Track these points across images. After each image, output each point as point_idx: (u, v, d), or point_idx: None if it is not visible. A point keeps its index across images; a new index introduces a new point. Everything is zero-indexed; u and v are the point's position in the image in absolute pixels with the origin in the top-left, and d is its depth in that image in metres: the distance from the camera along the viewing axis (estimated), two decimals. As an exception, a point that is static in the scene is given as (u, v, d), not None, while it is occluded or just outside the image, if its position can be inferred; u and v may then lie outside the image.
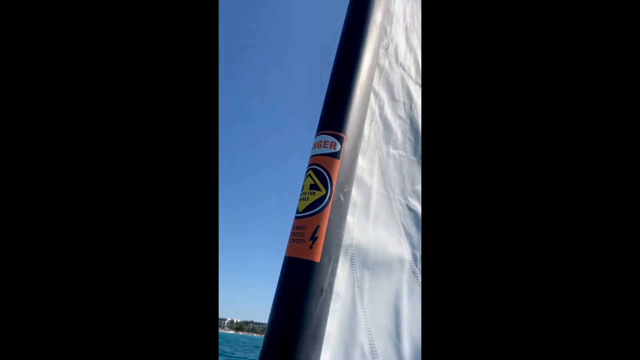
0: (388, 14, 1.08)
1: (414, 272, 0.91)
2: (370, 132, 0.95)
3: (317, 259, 0.66)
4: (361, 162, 0.89)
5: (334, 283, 0.71)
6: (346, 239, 0.78)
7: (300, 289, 0.64)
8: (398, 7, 1.16)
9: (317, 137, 0.78)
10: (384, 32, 1.04)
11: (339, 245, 0.73)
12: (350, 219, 0.81)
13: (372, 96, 0.96)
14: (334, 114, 0.79)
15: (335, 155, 0.75)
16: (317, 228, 0.68)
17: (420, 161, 1.05)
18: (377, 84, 1.00)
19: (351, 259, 0.80)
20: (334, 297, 0.73)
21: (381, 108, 1.00)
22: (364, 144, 0.91)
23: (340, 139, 0.77)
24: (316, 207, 0.70)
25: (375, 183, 0.92)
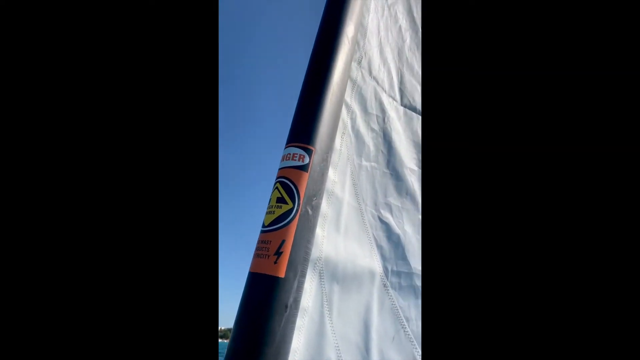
0: (362, 28, 1.10)
1: (384, 285, 0.91)
2: (342, 144, 0.95)
3: (282, 275, 0.65)
4: (332, 174, 0.89)
5: (300, 298, 0.70)
6: (315, 253, 0.78)
7: (263, 305, 0.62)
8: (372, 22, 1.18)
9: (286, 149, 0.77)
10: (357, 46, 1.06)
11: (306, 260, 0.72)
12: (319, 232, 0.80)
13: (344, 109, 0.96)
14: (304, 126, 0.79)
15: (303, 168, 0.74)
16: (283, 243, 0.67)
17: (393, 173, 1.05)
18: (350, 97, 1.01)
19: (320, 272, 0.79)
20: (300, 312, 0.71)
21: (353, 121, 1.00)
22: (335, 157, 0.91)
23: (309, 152, 0.76)
24: (282, 221, 0.69)
25: (346, 195, 0.92)
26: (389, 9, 1.30)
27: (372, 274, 0.89)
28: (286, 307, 0.64)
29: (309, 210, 0.73)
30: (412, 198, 1.07)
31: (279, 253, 0.65)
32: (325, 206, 0.83)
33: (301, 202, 0.72)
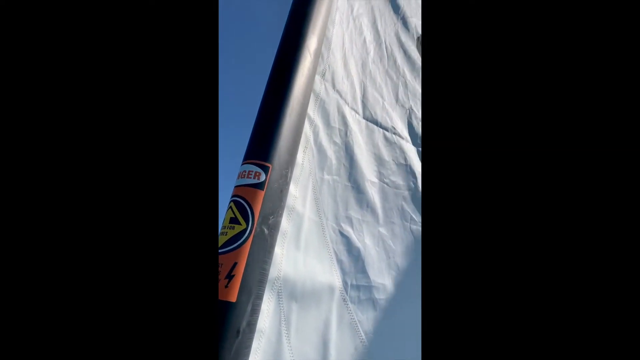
0: (326, 40, 1.10)
1: (344, 300, 0.91)
2: (304, 158, 0.94)
3: (233, 299, 0.63)
4: (293, 190, 0.88)
5: (255, 321, 0.68)
6: (273, 272, 0.76)
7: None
8: (336, 34, 1.18)
9: (242, 166, 0.75)
10: (321, 58, 1.05)
11: (262, 281, 0.70)
12: (278, 250, 0.79)
13: (306, 123, 0.96)
14: (261, 142, 0.78)
15: (259, 186, 0.73)
16: (235, 265, 0.64)
17: (354, 186, 1.06)
18: (313, 111, 1.01)
19: (278, 292, 0.77)
20: (257, 334, 0.70)
21: (316, 134, 1.00)
22: (296, 172, 0.90)
23: (265, 169, 0.75)
24: (234, 243, 0.66)
25: (307, 211, 0.91)
26: (354, 21, 1.31)
27: (331, 289, 0.89)
28: (238, 332, 0.62)
29: (265, 230, 0.72)
30: (372, 210, 1.08)
31: (230, 276, 0.63)
32: (285, 223, 0.82)
33: (256, 221, 0.70)
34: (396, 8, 1.54)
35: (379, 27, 1.42)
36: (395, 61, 1.42)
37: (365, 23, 1.37)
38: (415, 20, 1.61)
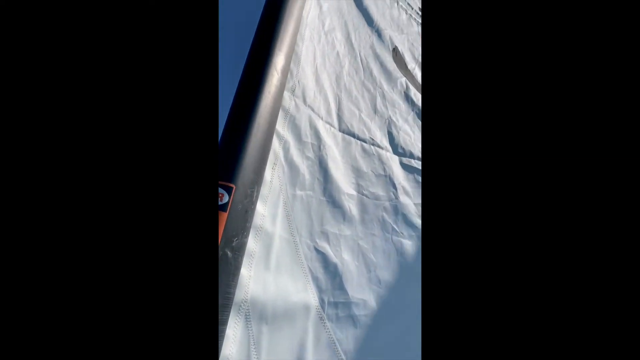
0: (295, 57, 1.11)
1: (321, 319, 0.89)
2: (273, 176, 0.94)
3: (192, 328, 0.61)
4: (261, 209, 0.86)
5: (220, 348, 0.66)
6: (239, 295, 0.74)
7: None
8: (307, 49, 1.19)
9: (204, 189, 0.75)
10: (289, 75, 1.06)
11: (226, 306, 0.69)
12: (245, 272, 0.77)
13: (275, 140, 0.95)
14: (224, 163, 0.77)
15: (221, 208, 0.72)
16: (193, 292, 0.63)
17: (330, 200, 1.05)
18: (282, 127, 1.00)
19: (245, 315, 0.75)
20: (223, 361, 0.67)
21: (286, 150, 1.00)
22: (264, 190, 0.89)
23: (229, 190, 0.74)
24: (194, 269, 0.65)
25: (278, 229, 0.90)
26: (326, 36, 1.33)
27: (306, 308, 0.87)
28: (199, 362, 0.60)
29: (228, 253, 0.70)
30: (351, 223, 1.07)
31: (189, 304, 0.62)
32: (252, 244, 0.81)
33: (218, 245, 0.69)
34: (370, 21, 1.56)
35: (354, 41, 1.44)
36: (371, 72, 1.43)
37: (339, 37, 1.38)
38: (390, 32, 1.63)
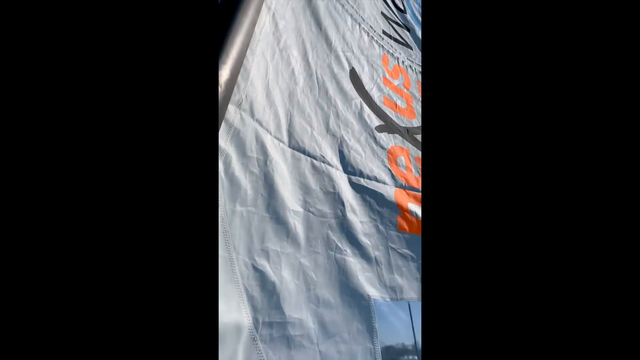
0: (244, 71, 1.10)
1: (253, 339, 0.86)
2: (212, 190, 0.91)
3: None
4: (194, 223, 0.83)
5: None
6: (159, 316, 0.70)
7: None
8: (259, 64, 1.19)
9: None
10: (235, 88, 1.05)
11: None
12: (168, 290, 0.73)
13: (216, 153, 0.93)
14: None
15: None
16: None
17: (273, 216, 1.04)
18: (224, 141, 0.99)
19: (165, 338, 0.71)
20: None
21: (227, 165, 0.98)
22: (200, 204, 0.86)
23: (154, 204, 0.70)
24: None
25: None
26: (281, 53, 1.34)
27: (238, 329, 0.84)
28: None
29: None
30: (294, 241, 1.06)
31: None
32: (180, 260, 0.77)
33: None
34: (329, 42, 1.60)
35: (310, 59, 1.46)
36: (327, 91, 1.46)
37: (294, 55, 1.40)
38: (349, 54, 1.68)
